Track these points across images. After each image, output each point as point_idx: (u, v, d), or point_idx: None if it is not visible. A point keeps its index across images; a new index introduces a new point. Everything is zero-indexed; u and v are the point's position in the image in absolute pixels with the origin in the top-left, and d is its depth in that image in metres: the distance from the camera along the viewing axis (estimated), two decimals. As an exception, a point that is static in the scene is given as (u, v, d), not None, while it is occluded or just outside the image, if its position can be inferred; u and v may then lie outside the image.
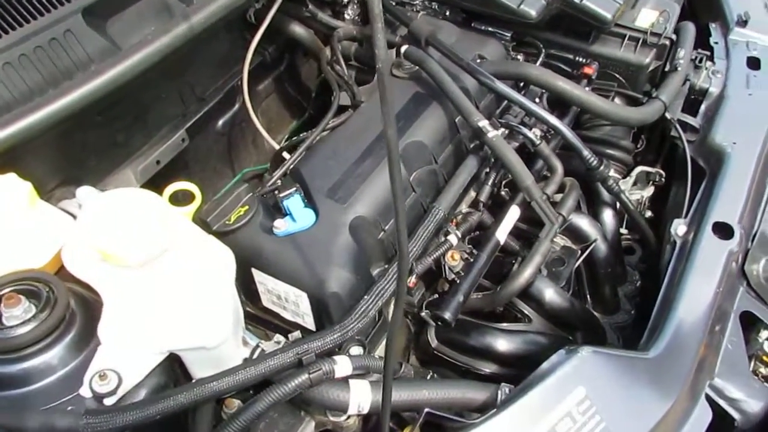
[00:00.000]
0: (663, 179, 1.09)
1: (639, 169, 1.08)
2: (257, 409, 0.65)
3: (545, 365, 0.71)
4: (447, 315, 0.78)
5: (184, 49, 0.90)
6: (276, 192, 0.81)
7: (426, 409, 0.68)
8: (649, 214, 1.09)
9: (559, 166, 0.91)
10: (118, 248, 0.66)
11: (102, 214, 0.72)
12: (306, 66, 1.37)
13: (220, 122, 1.20)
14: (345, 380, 0.70)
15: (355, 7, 1.22)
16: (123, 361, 0.65)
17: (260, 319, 0.85)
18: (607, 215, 1.00)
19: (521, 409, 0.67)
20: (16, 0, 0.78)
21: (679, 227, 0.94)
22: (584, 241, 0.94)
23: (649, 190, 1.09)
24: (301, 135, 0.96)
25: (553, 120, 0.90)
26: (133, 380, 0.65)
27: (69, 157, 0.93)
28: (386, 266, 0.82)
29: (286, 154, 0.92)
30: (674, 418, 0.76)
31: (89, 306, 0.70)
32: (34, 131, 0.77)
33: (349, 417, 0.75)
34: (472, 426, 0.65)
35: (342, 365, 0.68)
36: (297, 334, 0.76)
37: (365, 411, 0.70)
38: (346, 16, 1.22)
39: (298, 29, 1.15)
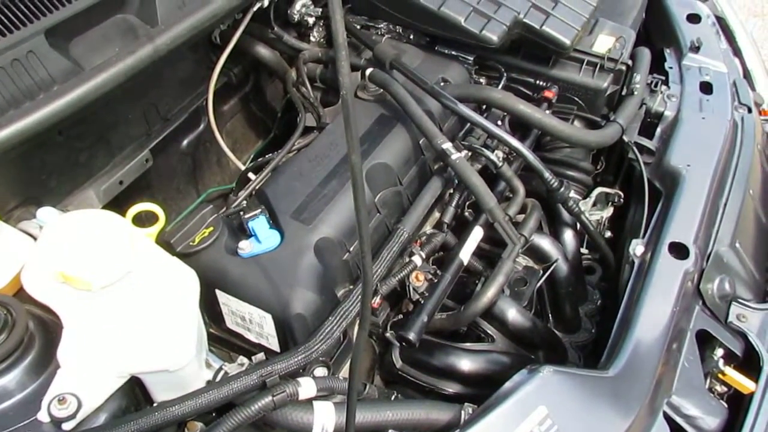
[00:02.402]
0: (621, 200, 1.11)
1: (598, 190, 1.11)
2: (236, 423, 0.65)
3: (508, 385, 0.72)
4: (411, 335, 0.78)
5: (148, 69, 0.89)
6: (241, 213, 0.81)
7: (390, 431, 0.68)
8: (608, 234, 1.12)
9: (520, 188, 0.93)
10: (80, 271, 0.66)
11: (63, 235, 0.71)
12: (271, 87, 1.37)
13: (185, 142, 1.19)
14: (309, 402, 0.69)
15: (320, 29, 1.23)
16: (83, 385, 0.64)
17: (224, 340, 0.84)
18: (568, 236, 1.02)
19: (485, 427, 0.68)
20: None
21: (636, 247, 0.96)
22: (546, 261, 0.96)
23: (609, 211, 1.12)
24: (266, 156, 0.97)
25: (514, 142, 0.93)
26: (93, 404, 0.64)
27: (29, 177, 0.91)
28: (351, 287, 0.82)
29: (251, 175, 0.91)
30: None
31: (48, 328, 0.69)
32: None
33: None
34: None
35: (306, 387, 0.68)
36: (261, 356, 0.76)
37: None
38: (312, 38, 1.23)
39: (263, 51, 1.16)
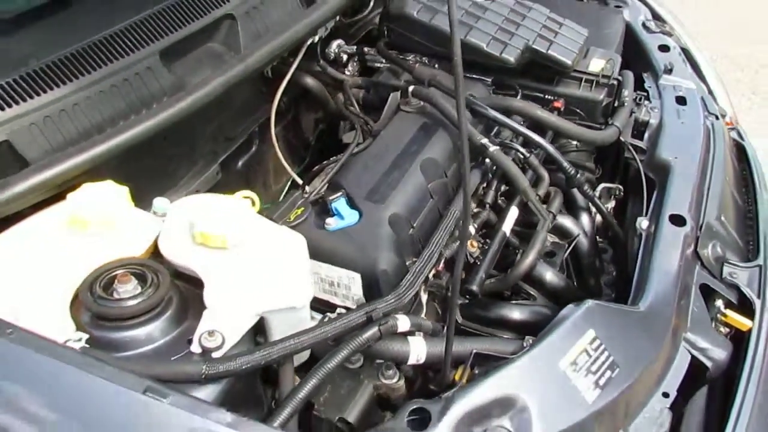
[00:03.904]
0: (622, 193, 1.31)
1: (602, 185, 1.30)
2: (337, 359, 0.78)
3: (559, 316, 0.88)
4: (474, 287, 0.94)
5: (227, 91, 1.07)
6: (325, 197, 0.97)
7: (474, 351, 0.83)
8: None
9: (545, 175, 1.11)
10: (217, 230, 0.81)
11: (191, 209, 0.86)
12: (306, 118, 1.56)
13: (240, 162, 1.36)
14: (404, 336, 0.84)
15: (354, 64, 1.44)
16: (225, 323, 0.77)
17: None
18: (584, 218, 1.20)
19: (549, 345, 0.83)
20: (111, 40, 0.94)
21: (642, 222, 1.15)
22: (569, 237, 1.14)
23: (611, 203, 1.31)
24: (325, 162, 1.14)
25: (537, 138, 1.12)
26: (233, 340, 0.78)
27: (131, 179, 1.06)
28: (415, 259, 0.98)
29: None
30: (663, 358, 0.94)
31: (182, 293, 0.83)
32: (120, 149, 0.91)
33: (399, 379, 0.89)
34: (512, 360, 0.81)
35: (402, 322, 0.83)
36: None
37: (422, 361, 0.84)
38: (347, 72, 1.43)
39: (310, 81, 1.35)
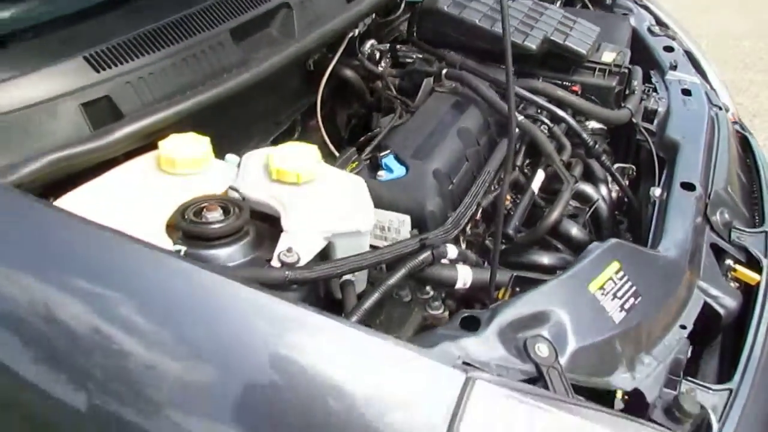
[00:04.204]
0: (634, 173, 1.43)
1: (616, 165, 1.42)
2: (396, 276, 0.90)
3: (587, 250, 0.99)
4: (510, 231, 1.06)
5: (277, 74, 1.20)
6: (375, 153, 1.10)
7: (514, 274, 0.95)
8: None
9: (568, 144, 1.24)
10: (291, 167, 0.93)
11: (265, 153, 0.99)
12: (340, 112, 1.70)
13: (282, 145, 1.49)
14: (452, 263, 0.96)
15: (386, 60, 1.58)
16: (300, 244, 0.89)
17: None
18: (602, 187, 1.32)
19: (579, 271, 0.94)
20: (191, 18, 1.08)
21: (655, 191, 1.27)
22: (589, 202, 1.26)
23: (625, 182, 1.44)
24: (370, 134, 1.27)
25: (560, 111, 1.25)
26: (306, 259, 0.89)
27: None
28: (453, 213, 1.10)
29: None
30: (680, 297, 1.04)
31: (258, 227, 0.95)
32: (198, 107, 1.04)
33: (444, 311, 1.00)
34: (547, 282, 0.92)
35: (451, 250, 0.95)
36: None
37: (467, 285, 0.95)
38: (380, 67, 1.57)
39: (349, 72, 1.48)
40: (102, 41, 0.99)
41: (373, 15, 1.49)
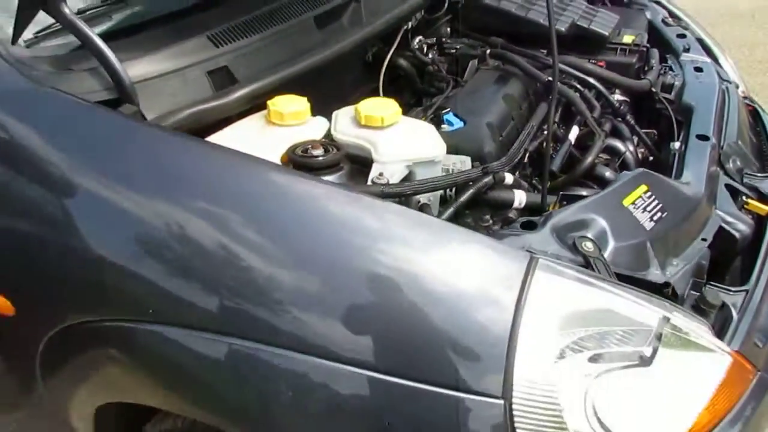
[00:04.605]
0: (656, 137, 1.64)
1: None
2: (466, 195, 1.11)
3: (619, 176, 1.19)
4: (554, 168, 1.27)
5: (349, 53, 1.44)
6: (438, 112, 1.33)
7: (561, 192, 1.15)
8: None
9: (597, 105, 1.46)
10: (377, 113, 1.16)
11: (353, 107, 1.22)
12: (394, 97, 1.93)
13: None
14: (509, 188, 1.17)
15: (433, 53, 1.82)
16: (388, 170, 1.11)
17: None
18: (629, 144, 1.53)
19: (614, 190, 1.15)
20: (283, 8, 1.34)
21: (675, 144, 1.47)
22: (618, 155, 1.47)
23: (648, 144, 1.64)
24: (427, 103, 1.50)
25: (590, 78, 1.48)
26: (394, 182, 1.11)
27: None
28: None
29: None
30: (700, 217, 1.24)
31: (351, 164, 1.17)
32: (293, 76, 1.28)
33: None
34: (589, 197, 1.12)
35: (508, 176, 1.16)
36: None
37: (522, 205, 1.16)
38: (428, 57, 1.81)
39: (403, 62, 1.72)
40: (219, 24, 1.25)
41: (422, 12, 1.73)
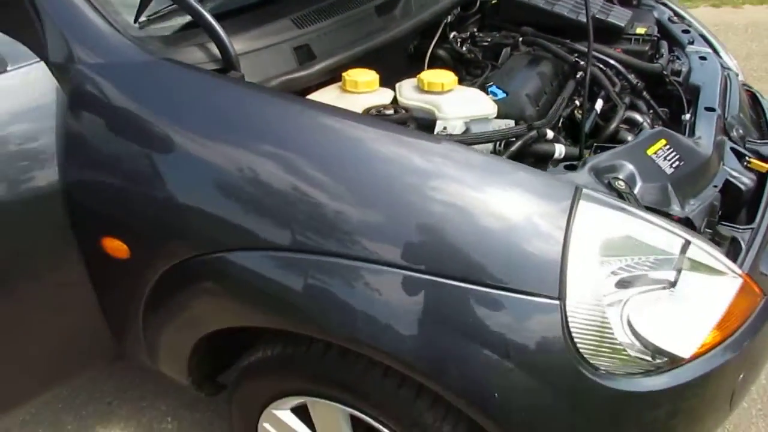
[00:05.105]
0: (668, 115, 1.86)
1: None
2: (516, 146, 1.33)
3: (641, 132, 1.41)
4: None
5: (401, 40, 1.67)
6: (483, 84, 1.55)
7: (595, 144, 1.37)
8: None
9: (618, 81, 1.68)
10: (437, 79, 1.38)
11: (416, 77, 1.44)
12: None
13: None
14: (550, 142, 1.38)
15: (468, 45, 2.05)
16: (450, 126, 1.32)
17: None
18: (646, 118, 1.75)
19: (638, 142, 1.36)
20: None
21: (685, 116, 1.70)
22: (637, 126, 1.68)
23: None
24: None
25: (611, 60, 1.70)
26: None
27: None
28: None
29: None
30: (710, 168, 1.45)
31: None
32: (360, 55, 1.50)
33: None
34: (618, 147, 1.34)
35: (549, 132, 1.38)
36: None
37: (562, 156, 1.37)
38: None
39: (442, 53, 1.95)
40: (301, 9, 1.47)
41: (458, 8, 1.97)
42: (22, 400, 1.56)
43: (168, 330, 1.45)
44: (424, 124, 1.37)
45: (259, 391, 1.47)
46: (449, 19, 1.91)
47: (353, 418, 1.37)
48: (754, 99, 2.06)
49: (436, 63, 1.94)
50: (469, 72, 1.90)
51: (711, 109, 1.64)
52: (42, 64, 1.30)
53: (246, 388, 1.49)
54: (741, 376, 1.27)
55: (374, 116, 1.32)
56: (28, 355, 1.47)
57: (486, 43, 1.99)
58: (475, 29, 2.04)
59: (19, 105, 1.29)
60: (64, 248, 1.39)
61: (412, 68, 1.90)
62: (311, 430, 1.48)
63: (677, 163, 1.37)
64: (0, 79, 1.26)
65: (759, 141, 1.67)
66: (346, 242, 1.13)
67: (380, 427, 1.30)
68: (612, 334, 1.13)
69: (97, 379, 2.20)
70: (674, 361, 1.16)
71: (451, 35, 2.01)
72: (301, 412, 1.47)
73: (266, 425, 1.52)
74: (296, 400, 1.43)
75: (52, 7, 1.31)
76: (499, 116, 1.47)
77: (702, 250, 1.19)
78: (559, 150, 1.37)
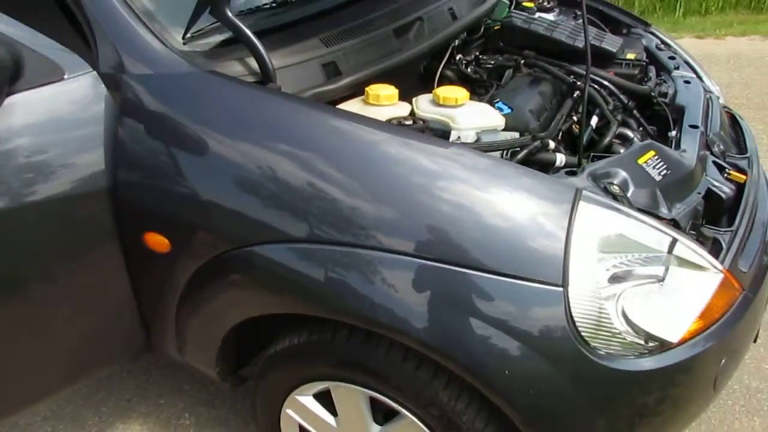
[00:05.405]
0: (656, 131, 2.03)
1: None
2: (522, 155, 1.48)
3: (632, 145, 1.57)
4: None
5: (414, 60, 1.83)
6: (491, 101, 1.71)
7: (592, 154, 1.52)
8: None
9: (611, 100, 1.85)
10: (452, 94, 1.54)
11: (432, 93, 1.60)
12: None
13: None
14: (551, 151, 1.54)
15: (471, 68, 2.22)
16: (462, 136, 1.48)
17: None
18: (636, 134, 1.91)
19: (629, 152, 1.52)
20: (371, 22, 1.73)
21: (672, 132, 1.87)
22: (628, 141, 1.85)
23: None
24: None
25: (605, 81, 1.87)
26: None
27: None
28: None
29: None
30: (694, 178, 1.61)
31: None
32: (380, 72, 1.66)
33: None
34: (612, 156, 1.50)
35: (551, 143, 1.54)
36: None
37: (562, 165, 1.53)
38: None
39: (450, 73, 2.12)
40: (329, 30, 1.64)
41: (465, 33, 2.14)
42: (49, 392, 1.65)
43: (201, 321, 1.57)
44: (439, 135, 1.52)
45: (285, 378, 1.59)
46: (456, 43, 2.08)
47: (372, 400, 1.50)
48: (733, 119, 2.25)
49: (443, 82, 2.11)
50: (473, 91, 2.07)
51: (695, 127, 1.81)
52: (94, 73, 1.44)
53: (271, 375, 1.61)
54: (723, 361, 1.42)
55: (395, 125, 1.48)
56: (58, 348, 1.57)
57: (490, 65, 2.16)
58: (478, 52, 2.22)
59: (74, 110, 1.42)
60: (106, 243, 1.51)
61: (423, 86, 2.07)
62: (332, 414, 1.60)
63: (665, 171, 1.53)
64: (58, 86, 1.40)
65: (737, 155, 1.84)
66: (367, 236, 1.27)
67: (399, 407, 1.43)
68: (609, 321, 1.27)
69: (117, 377, 2.31)
70: (664, 345, 1.30)
71: (457, 57, 2.19)
72: (323, 399, 1.59)
73: (289, 411, 1.64)
74: (320, 386, 1.55)
75: (106, 23, 1.46)
76: (506, 129, 1.63)
77: (688, 248, 1.34)
78: (560, 159, 1.53)
